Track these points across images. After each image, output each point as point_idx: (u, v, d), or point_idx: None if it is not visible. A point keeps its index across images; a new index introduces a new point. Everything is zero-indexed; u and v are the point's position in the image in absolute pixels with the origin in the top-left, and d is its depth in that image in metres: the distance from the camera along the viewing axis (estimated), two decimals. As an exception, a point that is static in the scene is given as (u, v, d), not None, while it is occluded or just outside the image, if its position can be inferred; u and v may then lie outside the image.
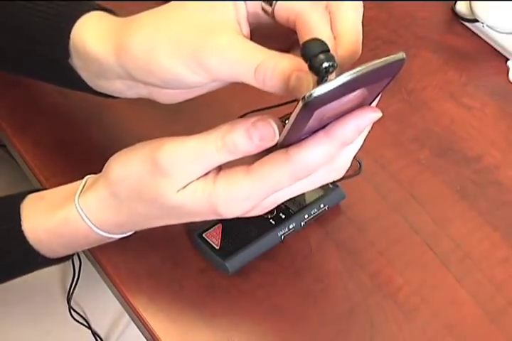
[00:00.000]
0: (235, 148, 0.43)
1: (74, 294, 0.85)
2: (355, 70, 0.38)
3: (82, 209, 0.50)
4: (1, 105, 0.68)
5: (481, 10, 0.75)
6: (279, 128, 0.43)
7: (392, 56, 0.39)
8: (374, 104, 0.45)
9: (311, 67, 0.40)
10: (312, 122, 0.41)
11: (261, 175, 0.44)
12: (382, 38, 0.78)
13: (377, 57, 0.38)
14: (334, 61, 0.39)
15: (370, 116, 0.42)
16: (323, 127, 0.43)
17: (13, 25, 0.54)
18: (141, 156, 0.46)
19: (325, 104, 0.39)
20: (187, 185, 0.45)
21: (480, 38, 0.79)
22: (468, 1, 0.78)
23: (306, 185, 0.47)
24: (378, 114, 0.43)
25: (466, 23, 0.79)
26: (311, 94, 0.38)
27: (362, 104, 0.43)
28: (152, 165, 0.45)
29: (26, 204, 0.53)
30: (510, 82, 0.75)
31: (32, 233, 0.52)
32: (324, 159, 0.43)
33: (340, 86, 0.38)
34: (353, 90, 0.40)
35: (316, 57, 0.39)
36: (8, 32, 0.54)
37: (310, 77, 0.41)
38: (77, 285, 0.85)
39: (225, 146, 0.43)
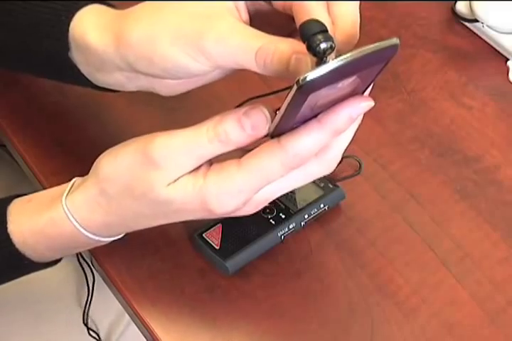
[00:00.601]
0: (227, 137, 0.43)
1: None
2: (349, 54, 0.37)
3: (68, 209, 0.49)
4: (1, 105, 0.68)
5: (481, 10, 0.75)
6: (271, 115, 0.43)
7: (386, 41, 0.39)
8: (366, 93, 0.44)
9: (309, 48, 0.39)
10: (304, 109, 0.41)
11: (253, 165, 0.43)
12: (382, 38, 0.77)
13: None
14: (333, 41, 0.39)
15: (362, 104, 0.42)
16: (315, 116, 0.43)
17: (13, 20, 0.54)
18: (132, 150, 0.46)
19: (319, 88, 0.39)
20: (178, 178, 0.45)
21: (480, 38, 0.79)
22: (468, 1, 0.77)
23: (299, 178, 0.46)
24: (370, 103, 0.43)
25: (466, 23, 0.79)
26: (305, 78, 0.37)
27: (354, 93, 0.42)
28: (144, 158, 0.45)
29: (13, 207, 0.52)
30: (510, 82, 0.75)
31: (18, 235, 0.51)
32: (316, 147, 0.43)
33: (334, 70, 0.37)
34: (347, 75, 0.40)
35: (313, 36, 0.39)
36: (8, 28, 0.54)
37: (309, 59, 0.40)
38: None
39: (217, 136, 0.43)
